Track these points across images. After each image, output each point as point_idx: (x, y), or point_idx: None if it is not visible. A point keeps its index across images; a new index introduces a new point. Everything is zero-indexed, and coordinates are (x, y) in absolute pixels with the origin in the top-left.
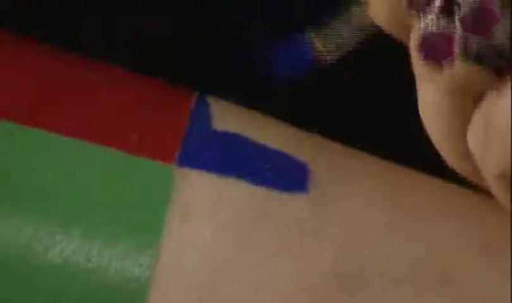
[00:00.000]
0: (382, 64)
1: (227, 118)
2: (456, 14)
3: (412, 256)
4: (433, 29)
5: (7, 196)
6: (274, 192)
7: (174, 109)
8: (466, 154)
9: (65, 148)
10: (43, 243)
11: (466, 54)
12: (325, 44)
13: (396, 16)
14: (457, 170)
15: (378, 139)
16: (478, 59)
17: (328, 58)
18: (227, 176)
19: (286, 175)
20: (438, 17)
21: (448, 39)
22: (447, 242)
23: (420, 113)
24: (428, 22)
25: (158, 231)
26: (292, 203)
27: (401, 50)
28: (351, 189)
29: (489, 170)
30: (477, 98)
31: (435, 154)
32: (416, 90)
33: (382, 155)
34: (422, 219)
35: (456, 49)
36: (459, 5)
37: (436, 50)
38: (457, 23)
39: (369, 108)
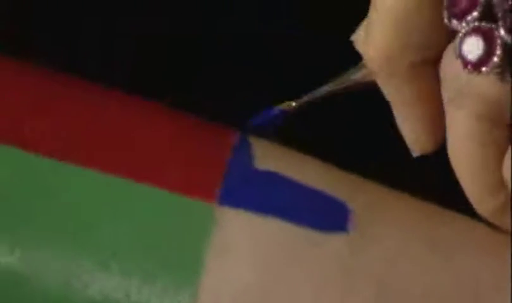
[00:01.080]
0: None
1: (269, 157)
2: (497, 16)
3: (446, 297)
4: (475, 30)
5: (45, 233)
6: (314, 231)
7: (216, 148)
8: (496, 188)
9: (104, 184)
10: (83, 281)
11: (504, 56)
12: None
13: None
14: (481, 210)
15: (415, 178)
16: None
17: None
18: (268, 215)
19: (326, 215)
20: (480, 21)
21: (490, 38)
22: (479, 285)
23: (449, 149)
24: (470, 26)
25: (197, 269)
26: (331, 242)
27: None
28: (390, 230)
29: None
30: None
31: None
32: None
33: (419, 194)
34: (457, 259)
35: (497, 50)
36: (498, 9)
37: (476, 56)
38: (500, 25)
39: (406, 148)
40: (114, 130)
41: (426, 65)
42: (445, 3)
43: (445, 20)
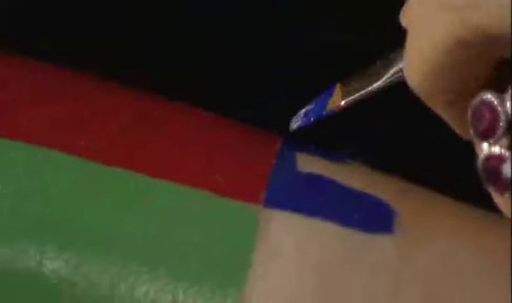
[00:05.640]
0: None
1: (312, 160)
2: None
3: (491, 299)
4: (495, 158)
5: (92, 235)
6: (360, 232)
7: (260, 152)
8: None
9: (151, 188)
10: (129, 283)
11: None
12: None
13: (433, 87)
14: None
15: (457, 181)
16: None
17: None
18: (313, 217)
19: (372, 216)
20: (500, 146)
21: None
22: None
23: None
24: (490, 150)
25: (243, 271)
26: (377, 244)
27: None
28: (436, 232)
29: None
30: None
31: None
32: None
33: (462, 198)
34: (503, 263)
35: None
36: None
37: (498, 180)
38: None
39: (450, 152)
40: (160, 136)
41: (466, 100)
42: (469, 119)
43: (472, 136)
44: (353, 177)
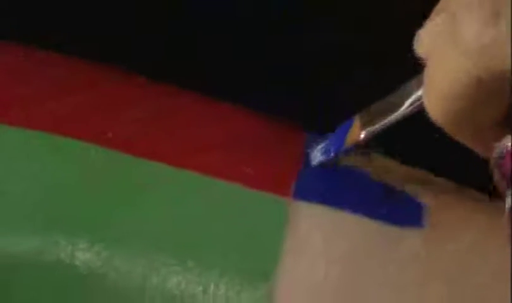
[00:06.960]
0: None
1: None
2: None
3: None
4: None
5: (122, 227)
6: (389, 226)
7: (290, 144)
8: None
9: (178, 180)
10: (161, 275)
11: None
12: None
13: (456, 118)
14: None
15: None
16: None
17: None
18: (342, 210)
19: (401, 210)
20: None
21: None
22: None
23: None
24: None
25: (273, 263)
26: (405, 237)
27: None
28: (463, 225)
29: None
30: None
31: None
32: None
33: (489, 192)
34: None
35: None
36: None
37: None
38: None
39: None
40: (189, 129)
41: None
42: (492, 162)
43: (496, 178)
44: (382, 170)
